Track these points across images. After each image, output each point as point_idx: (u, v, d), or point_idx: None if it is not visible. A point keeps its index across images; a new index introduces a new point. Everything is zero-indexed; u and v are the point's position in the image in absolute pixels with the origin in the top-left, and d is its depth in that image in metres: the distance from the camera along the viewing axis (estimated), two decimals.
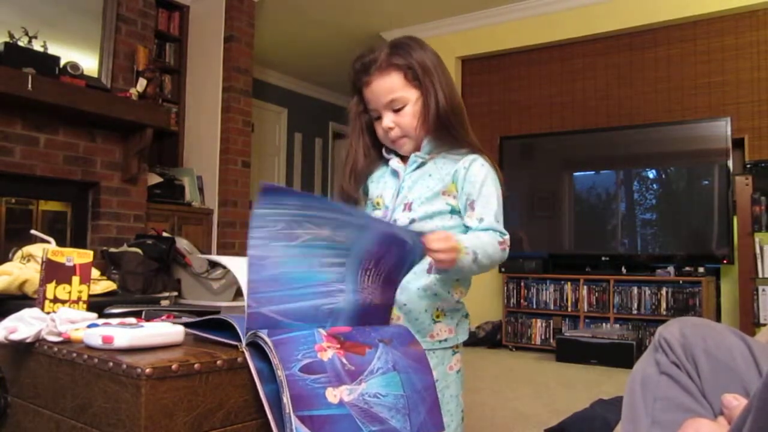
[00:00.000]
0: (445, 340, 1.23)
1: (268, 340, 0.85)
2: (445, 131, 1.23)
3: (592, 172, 4.84)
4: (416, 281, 1.19)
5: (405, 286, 1.15)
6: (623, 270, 4.45)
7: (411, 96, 1.22)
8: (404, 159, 1.30)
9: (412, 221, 1.22)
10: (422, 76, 1.21)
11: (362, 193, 1.35)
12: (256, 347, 0.87)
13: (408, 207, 1.24)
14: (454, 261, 1.08)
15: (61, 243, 1.40)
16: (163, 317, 1.12)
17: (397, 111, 1.22)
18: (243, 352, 0.87)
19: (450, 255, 1.07)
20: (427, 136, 1.25)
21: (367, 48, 1.26)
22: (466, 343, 1.28)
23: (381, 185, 1.31)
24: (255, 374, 0.85)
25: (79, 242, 3.68)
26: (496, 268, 4.82)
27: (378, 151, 1.32)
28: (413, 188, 1.25)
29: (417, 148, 1.26)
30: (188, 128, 4.76)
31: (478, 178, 1.21)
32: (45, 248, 1.16)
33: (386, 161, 1.32)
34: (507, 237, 1.20)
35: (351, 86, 1.29)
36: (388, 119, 1.23)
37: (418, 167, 1.26)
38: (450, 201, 1.22)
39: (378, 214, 1.28)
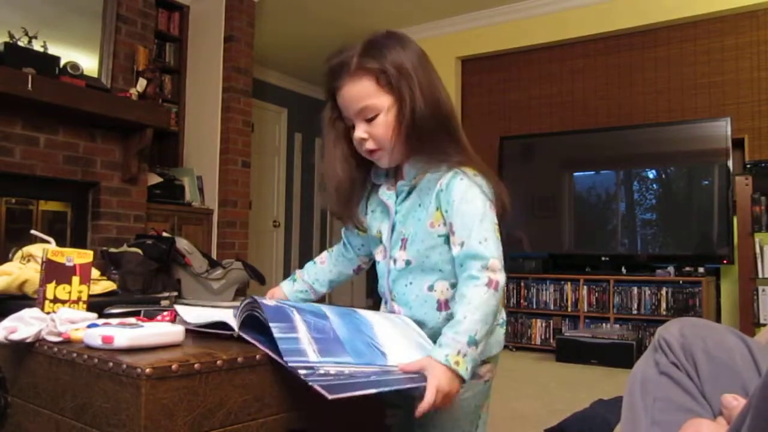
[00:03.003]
0: None
1: (260, 302, 0.93)
2: (425, 143, 1.09)
3: (592, 172, 4.84)
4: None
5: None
6: (623, 270, 4.44)
7: (383, 103, 1.08)
8: (394, 176, 1.19)
9: (408, 263, 1.14)
10: (396, 81, 1.07)
11: (361, 213, 1.23)
12: (250, 328, 0.96)
13: (404, 244, 1.14)
14: (459, 381, 0.97)
15: (61, 243, 1.40)
16: (163, 315, 1.11)
17: (369, 120, 1.09)
18: (250, 343, 0.88)
19: (442, 393, 0.95)
20: (409, 159, 1.13)
21: (340, 46, 1.11)
22: None
23: (378, 216, 1.20)
24: (254, 341, 0.93)
25: (79, 242, 3.68)
26: None
27: (359, 159, 1.18)
28: (406, 222, 1.14)
29: (396, 161, 1.14)
30: (188, 128, 4.76)
31: (455, 196, 1.08)
32: (45, 248, 1.16)
33: (376, 186, 1.20)
34: (493, 261, 1.03)
35: (325, 91, 1.15)
36: (360, 130, 1.10)
37: (408, 195, 1.15)
38: (440, 231, 1.11)
39: (380, 248, 1.20)
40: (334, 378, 0.85)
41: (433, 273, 1.13)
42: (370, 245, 1.26)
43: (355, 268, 1.34)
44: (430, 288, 1.13)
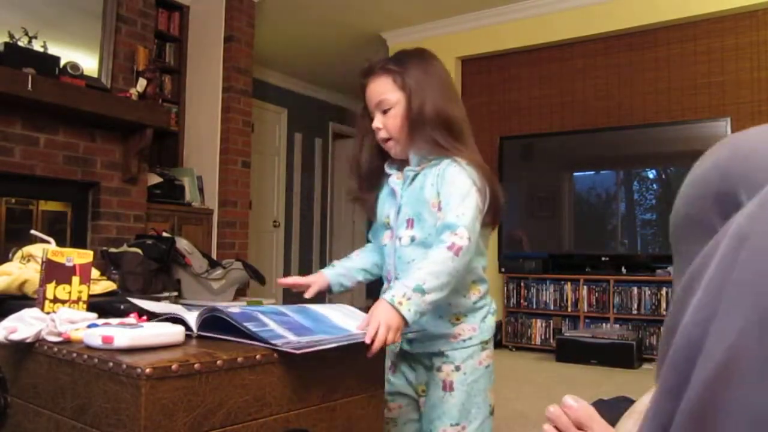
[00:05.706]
0: (470, 338, 1.27)
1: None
2: (427, 137, 1.25)
3: (592, 172, 4.84)
4: None
5: None
6: (623, 270, 4.44)
7: (395, 98, 1.28)
8: (402, 167, 1.35)
9: (413, 239, 1.27)
10: (409, 80, 1.27)
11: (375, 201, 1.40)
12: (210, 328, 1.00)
13: (410, 224, 1.29)
14: (400, 319, 1.06)
15: (61, 243, 1.40)
16: (130, 315, 1.10)
17: (385, 112, 1.29)
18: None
19: (385, 325, 1.04)
20: (412, 148, 1.29)
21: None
22: None
23: (387, 203, 1.36)
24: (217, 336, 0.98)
25: (79, 242, 3.68)
26: (495, 268, 4.83)
27: (380, 151, 1.37)
28: (409, 204, 1.29)
29: (404, 152, 1.31)
30: (188, 128, 4.76)
31: (447, 179, 1.23)
32: (45, 248, 1.16)
33: (388, 175, 1.37)
34: (461, 229, 1.15)
35: (360, 90, 1.36)
36: (377, 120, 1.30)
37: (412, 181, 1.30)
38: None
39: (388, 233, 1.33)
40: (306, 344, 0.94)
41: None
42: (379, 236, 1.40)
43: None
44: None
